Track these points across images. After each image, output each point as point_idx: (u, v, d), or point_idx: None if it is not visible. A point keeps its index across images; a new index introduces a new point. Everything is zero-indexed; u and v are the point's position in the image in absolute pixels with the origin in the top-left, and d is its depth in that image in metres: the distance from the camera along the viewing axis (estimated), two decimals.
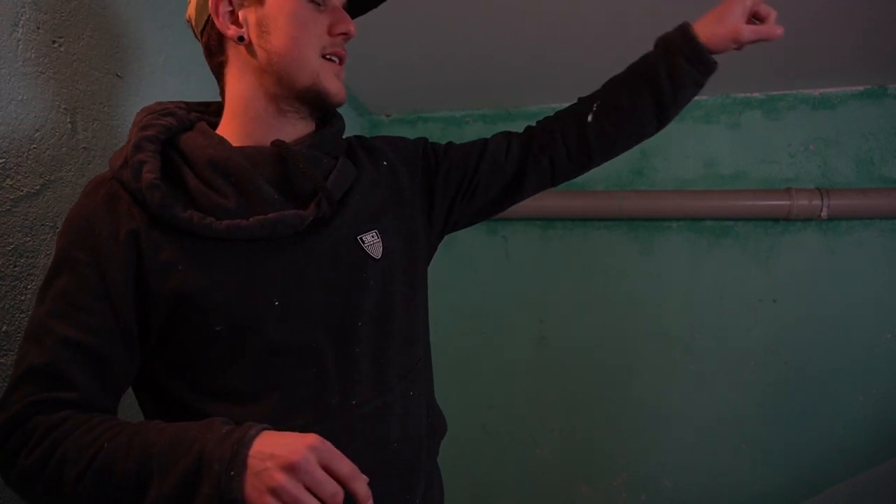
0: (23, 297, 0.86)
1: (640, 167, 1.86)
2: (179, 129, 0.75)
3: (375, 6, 0.87)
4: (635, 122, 0.86)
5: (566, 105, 0.91)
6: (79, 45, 0.94)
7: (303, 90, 0.75)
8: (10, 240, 0.84)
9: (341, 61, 0.78)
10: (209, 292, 0.68)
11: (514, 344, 1.97)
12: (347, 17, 0.77)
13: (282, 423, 0.64)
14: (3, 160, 0.82)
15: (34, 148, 0.87)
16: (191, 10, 0.79)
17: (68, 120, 0.93)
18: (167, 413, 0.71)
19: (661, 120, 0.86)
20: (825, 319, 1.69)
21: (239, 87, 0.77)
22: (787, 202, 1.64)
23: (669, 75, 0.81)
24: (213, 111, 0.84)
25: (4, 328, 0.83)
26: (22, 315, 0.86)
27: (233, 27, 0.74)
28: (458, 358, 2.01)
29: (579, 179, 1.87)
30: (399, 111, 2.10)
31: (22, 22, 0.85)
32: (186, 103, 0.82)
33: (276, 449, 0.56)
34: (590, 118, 0.86)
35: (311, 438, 0.58)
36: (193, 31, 0.80)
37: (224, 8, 0.73)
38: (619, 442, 1.85)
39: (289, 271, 0.72)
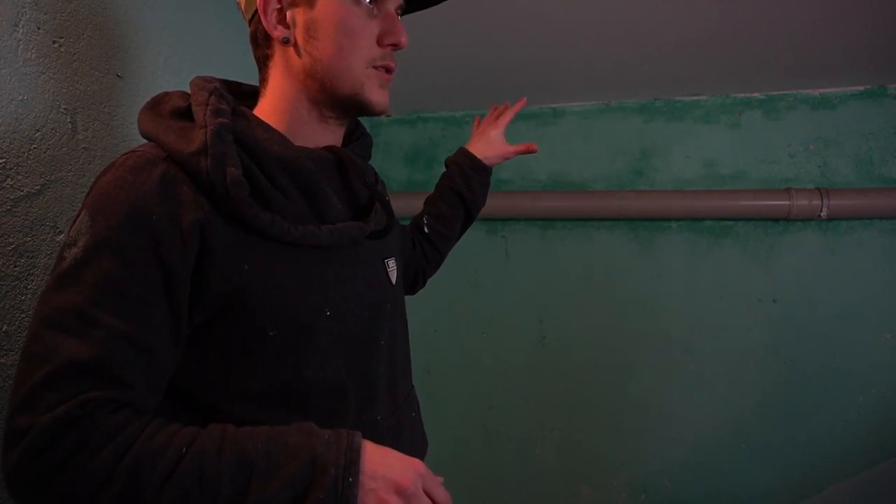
0: (23, 297, 0.86)
1: (640, 167, 1.86)
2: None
3: (435, 4, 0.84)
4: (454, 219, 1.14)
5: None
6: (79, 45, 0.94)
7: (343, 98, 0.73)
8: (11, 240, 0.84)
9: (389, 71, 0.75)
10: (272, 296, 0.65)
11: (514, 344, 1.97)
12: (400, 26, 0.73)
13: None
14: (3, 160, 0.82)
15: (34, 148, 0.87)
16: None
17: (68, 120, 0.93)
18: (180, 416, 0.66)
19: (469, 211, 1.15)
20: (825, 319, 1.69)
21: (283, 86, 0.73)
22: (787, 202, 1.64)
23: (466, 184, 1.12)
24: (235, 92, 0.79)
25: (4, 328, 0.83)
26: (22, 315, 0.86)
27: (280, 27, 0.70)
28: (458, 358, 2.01)
29: (579, 179, 1.91)
30: (399, 111, 2.10)
31: (22, 22, 0.85)
32: (220, 81, 0.76)
33: (387, 471, 0.60)
34: (426, 229, 1.12)
35: (418, 465, 0.62)
36: (242, 14, 0.77)
37: (273, 6, 0.70)
38: (619, 442, 1.85)
39: (339, 280, 0.72)
